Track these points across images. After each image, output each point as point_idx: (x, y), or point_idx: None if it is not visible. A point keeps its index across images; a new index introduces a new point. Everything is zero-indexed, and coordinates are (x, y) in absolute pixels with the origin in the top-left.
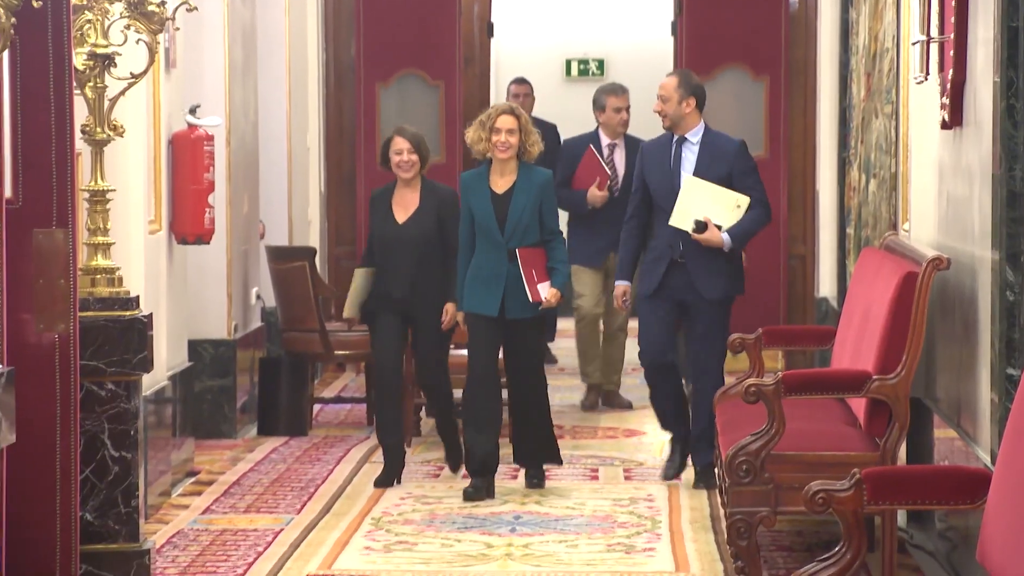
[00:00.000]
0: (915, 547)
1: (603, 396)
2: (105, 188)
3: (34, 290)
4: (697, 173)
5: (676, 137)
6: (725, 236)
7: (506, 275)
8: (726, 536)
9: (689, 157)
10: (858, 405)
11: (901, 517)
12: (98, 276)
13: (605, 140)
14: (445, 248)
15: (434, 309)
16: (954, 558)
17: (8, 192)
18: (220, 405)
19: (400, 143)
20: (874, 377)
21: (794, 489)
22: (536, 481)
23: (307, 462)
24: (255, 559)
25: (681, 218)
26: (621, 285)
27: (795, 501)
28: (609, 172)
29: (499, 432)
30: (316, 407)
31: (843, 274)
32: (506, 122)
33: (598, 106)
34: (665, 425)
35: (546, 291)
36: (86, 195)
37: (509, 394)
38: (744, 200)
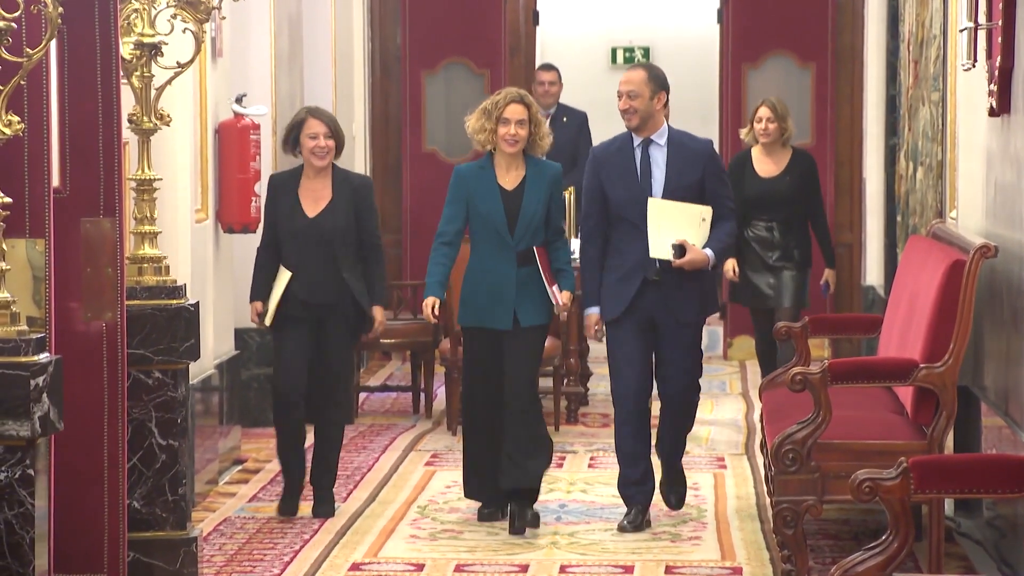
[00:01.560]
0: (963, 535)
1: None
2: (152, 177)
3: (82, 279)
4: (668, 179)
5: (639, 139)
6: (709, 252)
7: (516, 280)
8: (772, 525)
9: (658, 161)
10: (905, 393)
11: (948, 506)
12: (145, 265)
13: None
14: (364, 245)
15: (349, 315)
16: (1002, 547)
17: (56, 181)
18: (266, 393)
19: (315, 126)
20: (921, 365)
21: (840, 478)
22: (531, 519)
23: (353, 450)
24: (301, 547)
25: (659, 247)
26: (593, 314)
27: (841, 490)
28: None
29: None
30: (362, 395)
31: (891, 262)
32: (516, 112)
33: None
34: (634, 477)
35: (560, 295)
36: (133, 184)
37: (507, 420)
38: (707, 211)
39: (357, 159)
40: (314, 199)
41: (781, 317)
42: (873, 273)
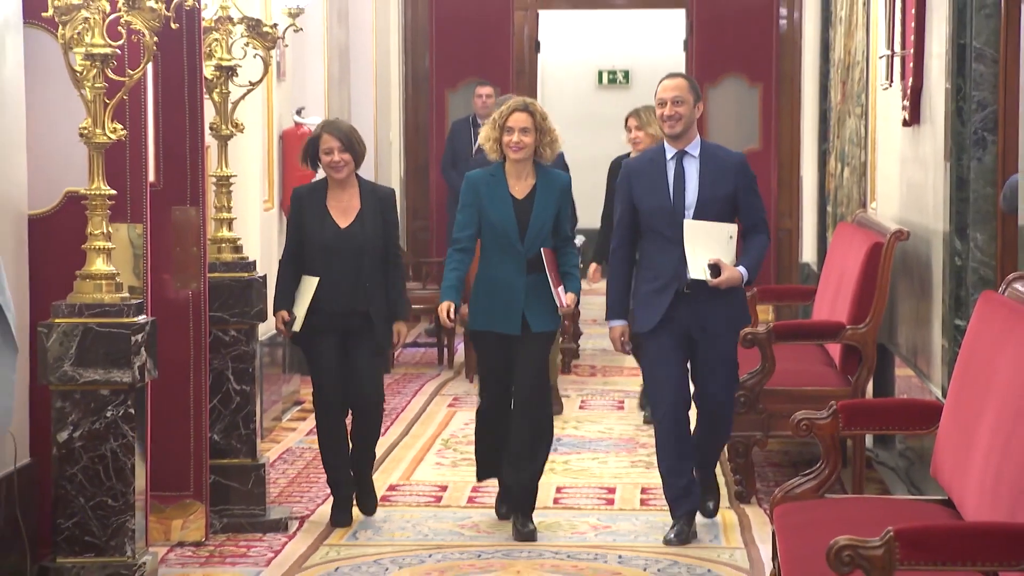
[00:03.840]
0: (880, 464)
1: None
2: (228, 174)
3: (172, 256)
4: (702, 191)
5: (673, 152)
6: (741, 269)
7: (525, 286)
8: (727, 455)
9: (691, 173)
10: (834, 349)
11: (868, 440)
12: (223, 245)
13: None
14: (388, 257)
15: (380, 326)
16: (912, 473)
17: (151, 177)
18: None
19: (328, 141)
20: (847, 327)
21: (782, 417)
22: (532, 528)
23: (390, 394)
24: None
25: (696, 268)
26: (618, 326)
27: (783, 427)
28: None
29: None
30: (398, 351)
31: (823, 244)
32: (519, 120)
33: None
34: (678, 490)
35: (565, 297)
36: (213, 179)
37: (513, 417)
38: (733, 229)
39: (393, 161)
40: (343, 210)
41: None
42: (808, 252)
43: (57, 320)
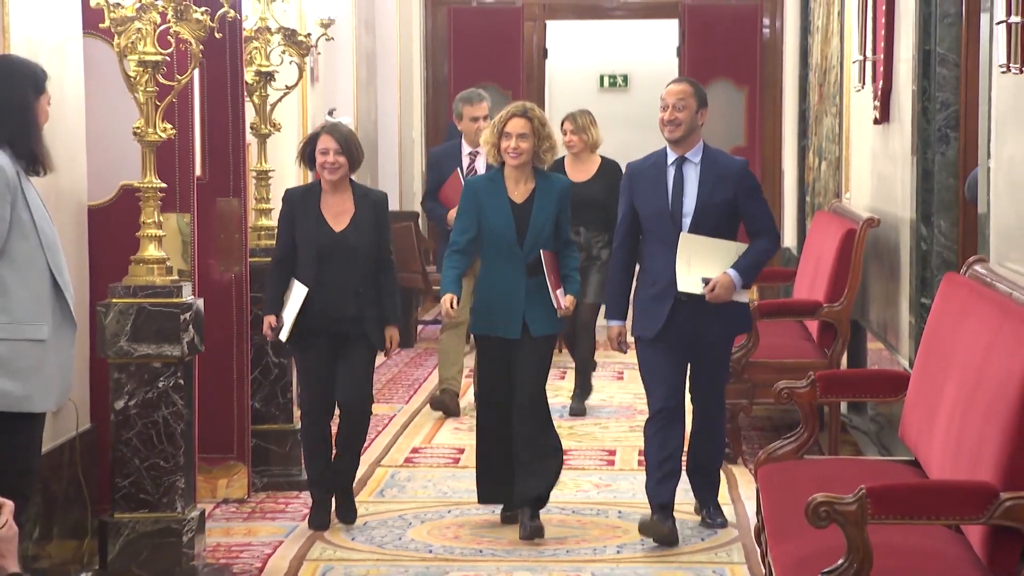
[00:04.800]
0: (853, 428)
1: (452, 400)
2: (267, 169)
3: (217, 242)
4: (701, 196)
5: (674, 156)
6: (731, 272)
7: (525, 290)
8: None
9: (691, 179)
10: (812, 325)
11: (843, 407)
12: (262, 232)
13: (466, 149)
14: (380, 261)
15: (373, 329)
16: (881, 436)
17: (198, 171)
18: None
19: (327, 142)
20: (824, 305)
21: (766, 386)
22: (534, 530)
23: (413, 366)
24: (376, 435)
25: (687, 282)
26: (615, 326)
27: (766, 395)
28: None
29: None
30: (419, 327)
31: (802, 230)
32: (516, 126)
33: (456, 115)
34: (664, 487)
35: (564, 299)
36: (254, 173)
37: (515, 428)
38: (742, 248)
39: (416, 156)
40: (337, 213)
41: (583, 312)
42: (789, 238)
43: (114, 300)
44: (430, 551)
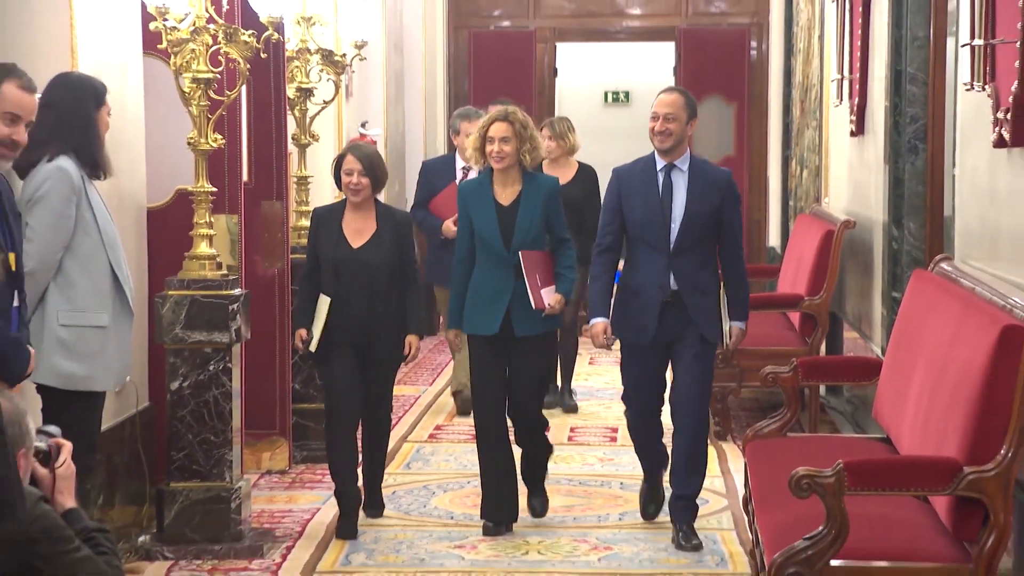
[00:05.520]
0: (831, 409)
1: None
2: (307, 175)
3: (261, 241)
4: (689, 203)
5: (663, 163)
6: (737, 324)
7: (512, 291)
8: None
9: (680, 186)
10: (794, 317)
11: (822, 389)
12: (302, 232)
13: (459, 163)
14: (403, 276)
15: (392, 342)
16: (857, 416)
17: (245, 177)
18: None
19: (351, 163)
20: (805, 298)
21: (753, 371)
22: (540, 508)
23: (436, 352)
24: (403, 414)
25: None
26: (600, 322)
27: (753, 379)
28: None
29: (515, 473)
30: (440, 317)
31: (785, 231)
32: (498, 130)
33: (453, 130)
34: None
35: (549, 297)
36: (295, 179)
37: (517, 435)
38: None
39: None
40: (357, 231)
41: (566, 310)
42: (774, 238)
43: (170, 292)
44: (451, 517)
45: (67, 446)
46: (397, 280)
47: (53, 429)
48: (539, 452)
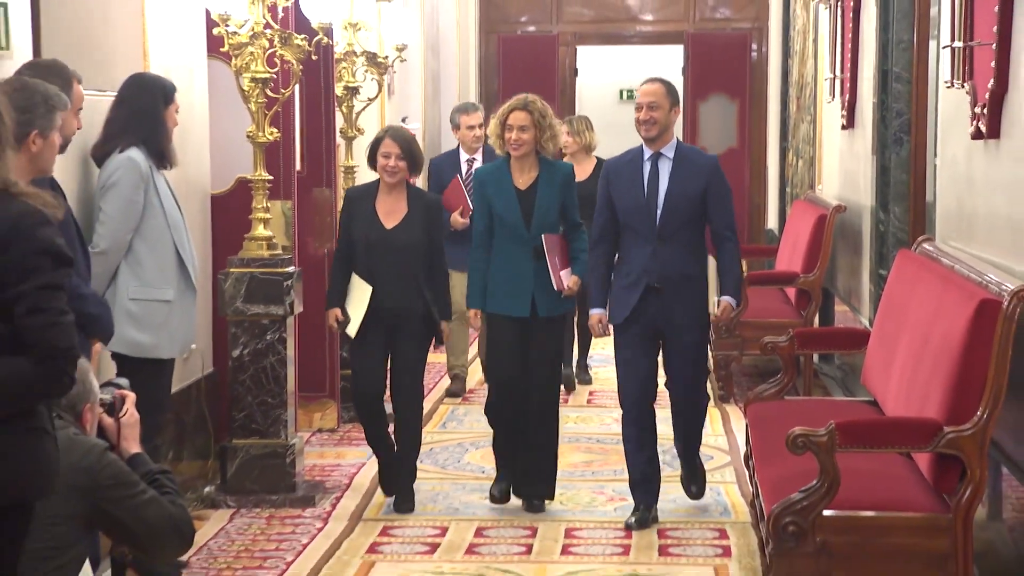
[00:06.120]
0: (824, 375)
1: (461, 384)
2: (353, 165)
3: (312, 224)
4: (672, 189)
5: (649, 153)
6: (727, 299)
7: (534, 272)
8: (714, 369)
9: (664, 173)
10: (791, 292)
11: (815, 357)
12: None
13: (464, 156)
14: (431, 260)
15: (420, 321)
16: (847, 381)
17: (298, 166)
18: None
19: (390, 146)
20: (800, 275)
21: (753, 341)
22: (537, 503)
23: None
24: (439, 379)
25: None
26: (596, 313)
27: (754, 348)
28: (471, 202)
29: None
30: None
31: (783, 215)
32: (517, 118)
33: (453, 124)
34: (637, 478)
35: (568, 279)
36: (342, 168)
37: (532, 411)
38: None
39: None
40: (389, 212)
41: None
42: (772, 221)
43: (231, 270)
44: (483, 471)
45: (131, 397)
46: (426, 261)
47: (122, 381)
48: (552, 440)
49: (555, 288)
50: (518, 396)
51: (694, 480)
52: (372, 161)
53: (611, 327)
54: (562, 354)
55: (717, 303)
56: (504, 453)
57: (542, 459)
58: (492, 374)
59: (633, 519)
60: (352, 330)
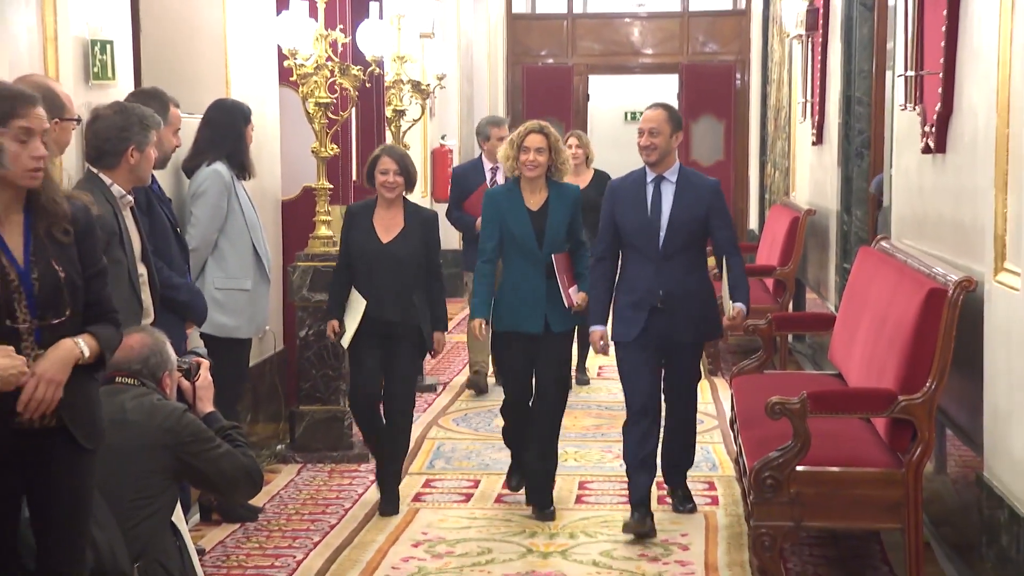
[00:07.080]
0: (797, 352)
1: (483, 380)
2: None
3: None
4: (675, 212)
5: (652, 175)
6: (739, 305)
7: (546, 289)
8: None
9: (667, 195)
10: (769, 282)
11: (790, 337)
12: None
13: (488, 165)
14: (428, 274)
15: (415, 332)
16: (816, 358)
17: (355, 177)
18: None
19: (387, 163)
20: (776, 268)
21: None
22: (549, 511)
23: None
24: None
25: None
26: (598, 330)
27: (738, 330)
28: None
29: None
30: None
31: (762, 218)
32: (534, 141)
33: (483, 136)
34: (642, 483)
35: (576, 295)
36: None
37: (537, 412)
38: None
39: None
40: (387, 227)
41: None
42: (753, 222)
43: (299, 263)
44: None
45: (205, 363)
46: (423, 274)
47: (201, 349)
48: (554, 447)
49: (566, 305)
50: (529, 409)
51: (688, 499)
52: (370, 178)
53: (612, 343)
54: (570, 366)
55: (731, 307)
56: (515, 448)
57: (541, 475)
58: (506, 392)
59: (633, 520)
60: (345, 341)
